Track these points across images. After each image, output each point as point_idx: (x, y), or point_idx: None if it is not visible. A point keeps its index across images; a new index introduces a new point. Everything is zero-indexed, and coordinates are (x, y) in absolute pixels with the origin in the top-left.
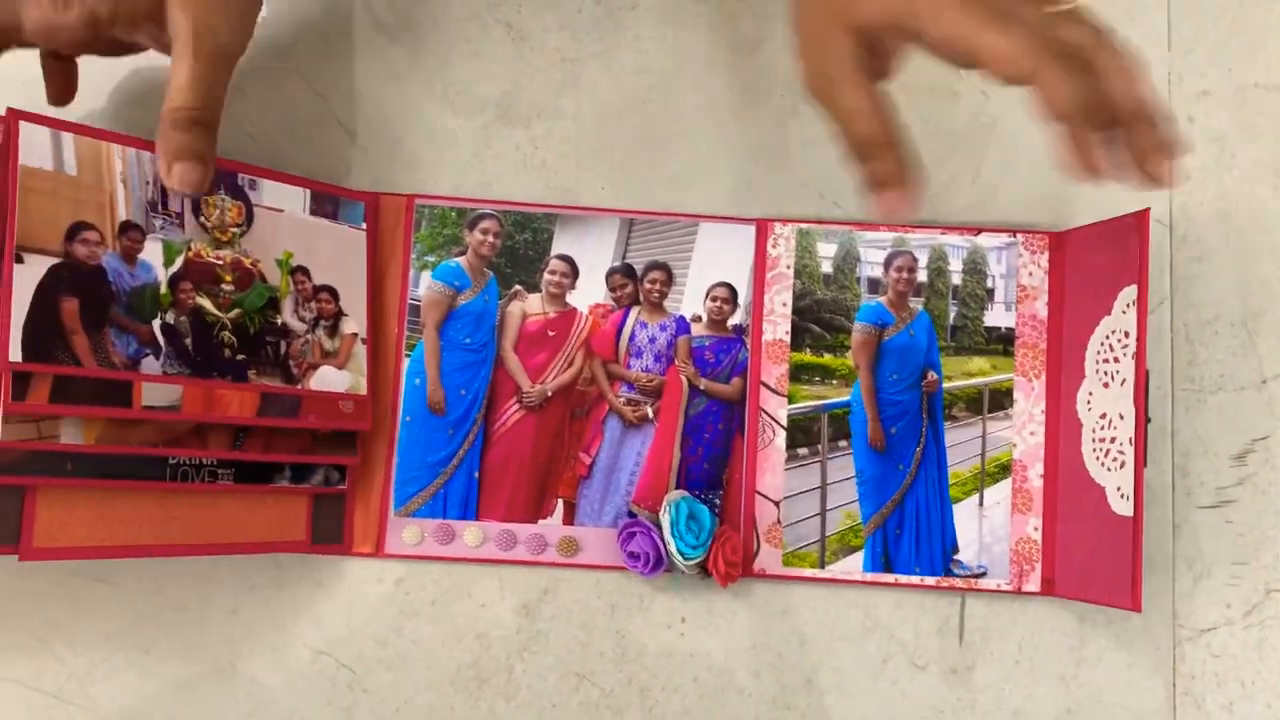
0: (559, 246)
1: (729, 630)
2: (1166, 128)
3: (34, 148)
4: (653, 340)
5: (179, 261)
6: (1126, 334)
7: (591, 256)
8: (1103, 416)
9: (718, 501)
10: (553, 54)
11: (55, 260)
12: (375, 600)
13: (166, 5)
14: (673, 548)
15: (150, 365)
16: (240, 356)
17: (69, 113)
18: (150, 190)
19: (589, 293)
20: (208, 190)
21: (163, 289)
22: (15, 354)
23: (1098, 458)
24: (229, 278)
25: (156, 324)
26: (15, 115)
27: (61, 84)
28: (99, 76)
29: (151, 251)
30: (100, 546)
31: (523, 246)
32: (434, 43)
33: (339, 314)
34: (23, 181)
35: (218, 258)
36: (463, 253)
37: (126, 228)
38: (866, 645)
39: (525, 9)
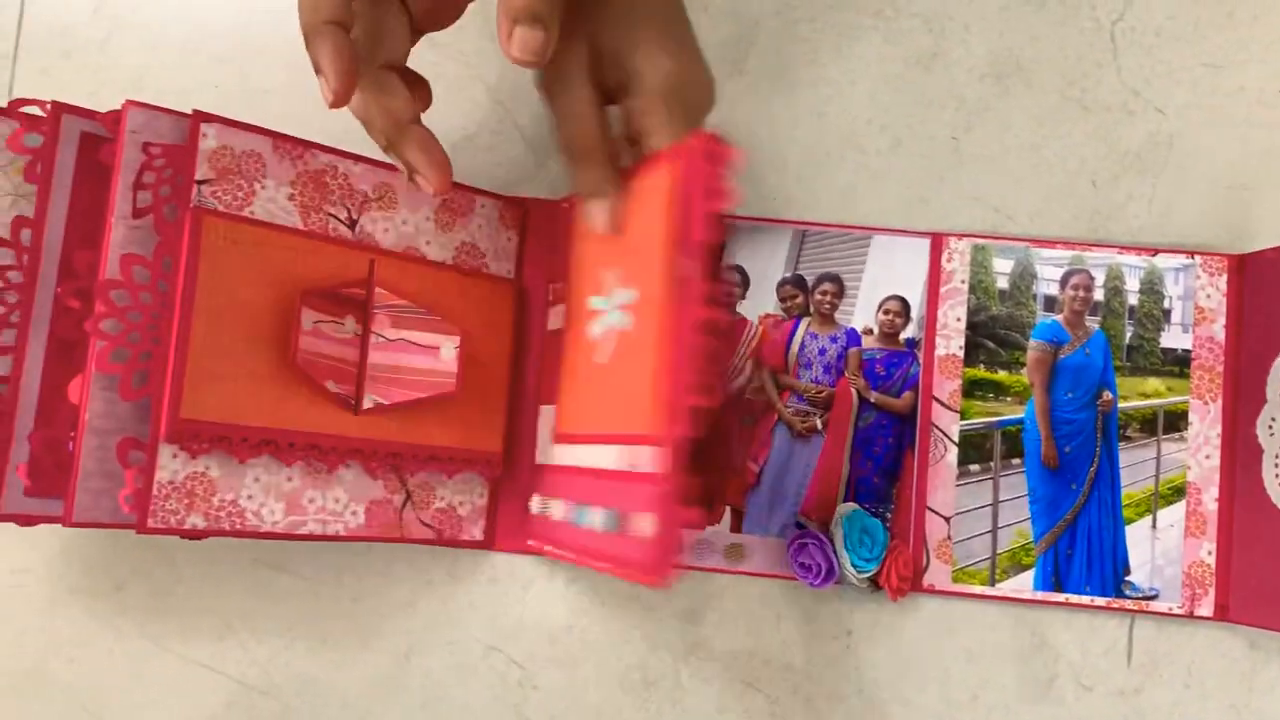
0: (730, 257)
1: (895, 644)
2: None
3: None
4: (823, 352)
5: None
6: None
7: (762, 266)
8: None
9: (888, 515)
10: (729, 67)
11: None
12: (547, 599)
13: None
14: (846, 561)
15: None
16: None
17: None
18: None
19: (759, 303)
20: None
21: None
22: None
23: None
24: None
25: None
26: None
27: (419, 89)
28: None
29: None
30: None
31: None
32: None
33: None
34: None
35: None
36: None
37: None
38: (1033, 664)
39: (702, 22)
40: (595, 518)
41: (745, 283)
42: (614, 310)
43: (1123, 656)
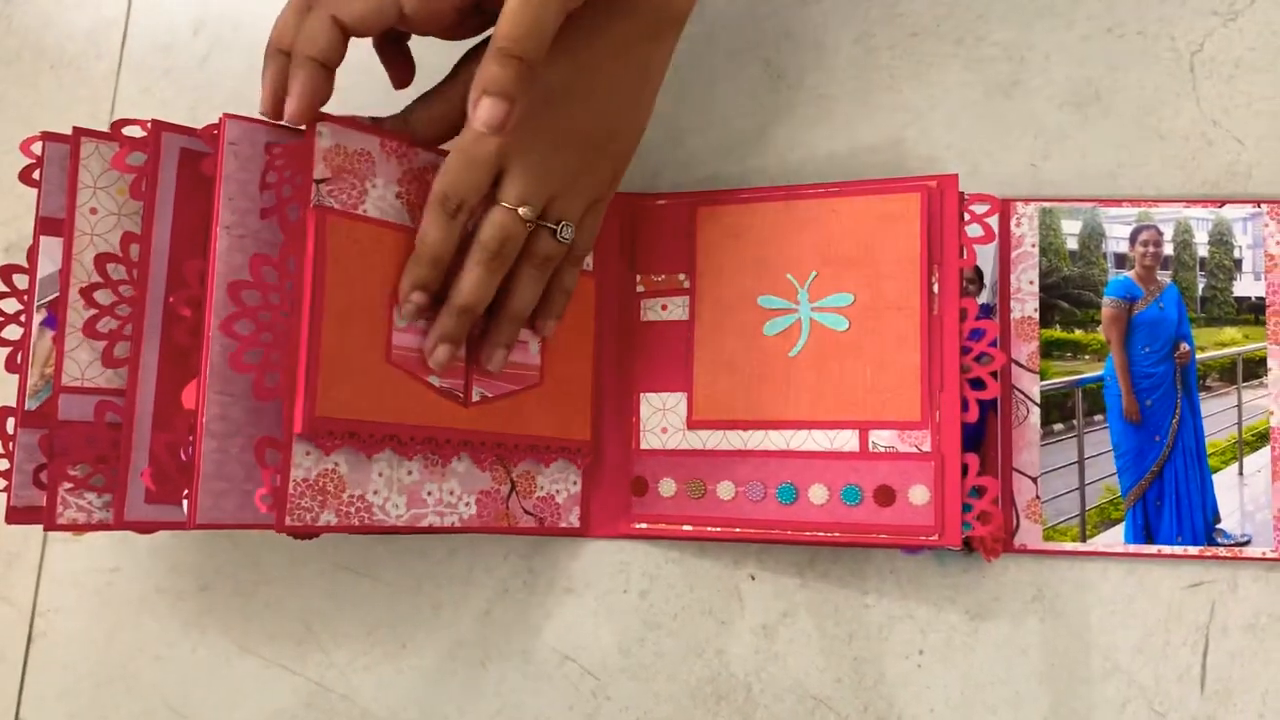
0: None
1: (967, 665)
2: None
3: None
4: None
5: None
6: None
7: None
8: None
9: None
10: (809, 92)
11: None
12: (621, 611)
13: None
14: None
15: None
16: None
17: None
18: None
19: None
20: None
21: None
22: None
23: None
24: None
25: None
26: None
27: (403, 66)
28: None
29: None
30: None
31: None
32: (694, 79)
33: None
34: None
35: None
36: None
37: None
38: (1105, 688)
39: (784, 48)
40: (818, 493)
41: (980, 281)
42: (813, 310)
43: (1195, 684)
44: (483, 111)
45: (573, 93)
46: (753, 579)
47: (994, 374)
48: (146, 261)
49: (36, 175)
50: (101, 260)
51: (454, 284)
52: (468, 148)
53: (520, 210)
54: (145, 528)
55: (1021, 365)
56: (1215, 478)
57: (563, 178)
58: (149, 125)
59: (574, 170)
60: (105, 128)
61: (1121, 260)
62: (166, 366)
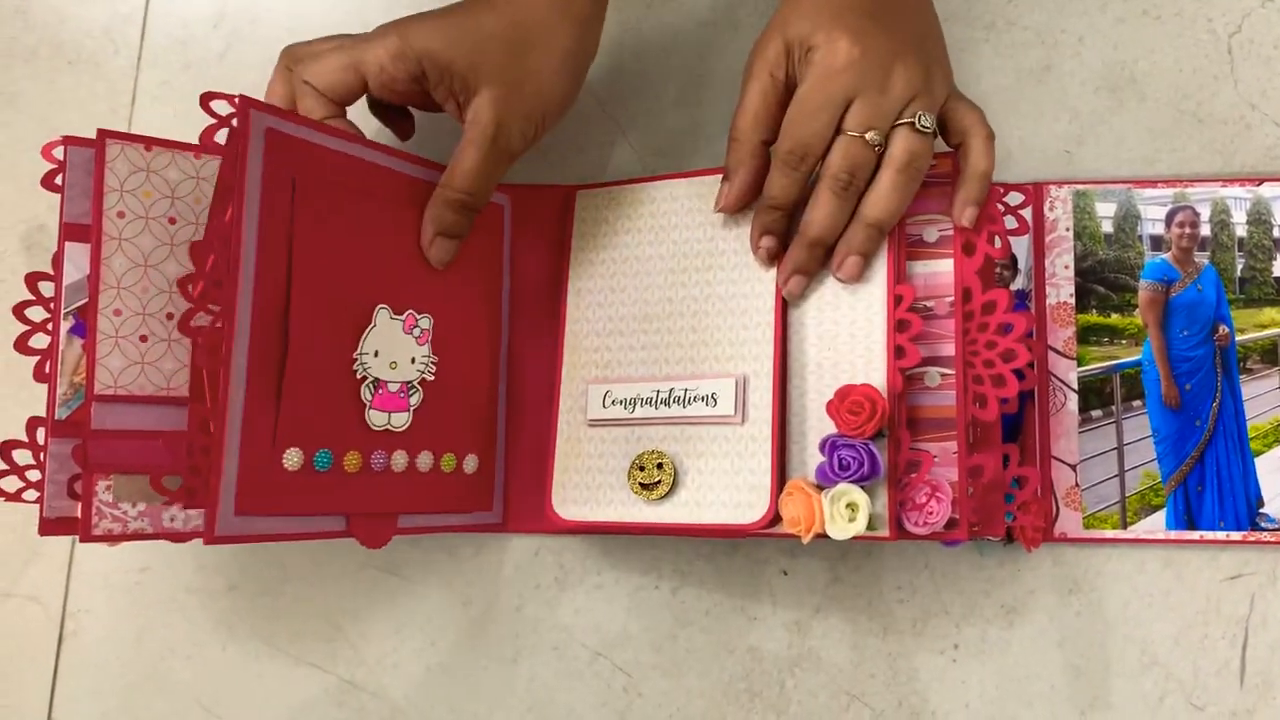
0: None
1: (1001, 659)
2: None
3: None
4: None
5: None
6: None
7: None
8: None
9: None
10: None
11: None
12: (652, 607)
13: (475, 95)
14: None
15: None
16: None
17: None
18: None
19: None
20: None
21: None
22: None
23: None
24: None
25: None
26: None
27: (403, 125)
28: None
29: None
30: None
31: None
32: (718, 68)
33: None
34: None
35: None
36: None
37: None
38: (1143, 682)
39: None
40: None
41: (1014, 267)
42: None
43: (1235, 677)
44: (437, 251)
45: (889, 8)
46: (785, 574)
47: (1030, 364)
48: (237, 251)
49: (59, 180)
50: (200, 249)
51: (805, 216)
52: (806, 98)
53: (868, 135)
54: (211, 540)
55: (1058, 351)
56: (1258, 461)
57: (905, 89)
58: (236, 101)
59: (915, 79)
60: (125, 123)
61: (1158, 242)
62: (257, 367)
